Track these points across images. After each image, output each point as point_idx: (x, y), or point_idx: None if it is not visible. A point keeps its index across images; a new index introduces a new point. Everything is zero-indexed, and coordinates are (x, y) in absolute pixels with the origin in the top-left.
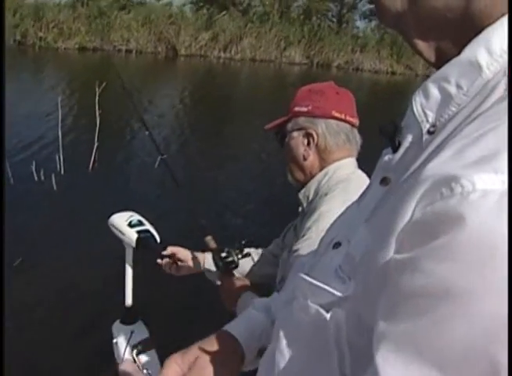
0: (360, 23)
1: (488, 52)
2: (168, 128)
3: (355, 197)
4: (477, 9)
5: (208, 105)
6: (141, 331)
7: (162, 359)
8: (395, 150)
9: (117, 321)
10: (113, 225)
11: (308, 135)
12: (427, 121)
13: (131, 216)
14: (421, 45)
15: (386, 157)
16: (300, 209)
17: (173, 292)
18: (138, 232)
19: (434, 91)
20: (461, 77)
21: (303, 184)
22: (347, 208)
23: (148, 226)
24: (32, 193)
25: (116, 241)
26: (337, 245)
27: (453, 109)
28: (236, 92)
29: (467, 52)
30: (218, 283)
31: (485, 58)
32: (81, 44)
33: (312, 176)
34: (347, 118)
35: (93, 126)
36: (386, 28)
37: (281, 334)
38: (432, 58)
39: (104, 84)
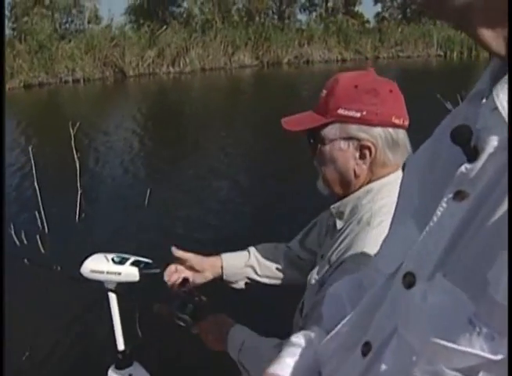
0: (301, 16)
1: None
2: (130, 155)
3: None
4: None
5: (164, 124)
6: (139, 373)
7: None
8: (473, 158)
9: (112, 367)
10: (94, 270)
11: (363, 148)
12: None
13: (106, 255)
14: (489, 35)
15: (463, 168)
16: (329, 222)
17: (164, 327)
18: (133, 264)
19: None
20: None
21: (339, 197)
22: (397, 230)
23: (135, 257)
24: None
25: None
26: (410, 277)
27: None
28: (191, 105)
29: None
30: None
31: None
32: (25, 81)
33: (353, 191)
34: (404, 123)
35: (73, 172)
36: (331, 19)
37: None
38: (502, 49)
39: (78, 124)
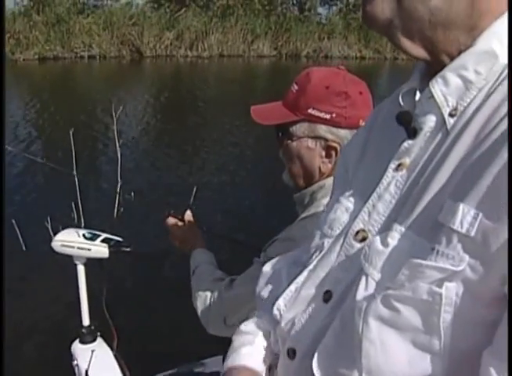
0: (321, 10)
1: (500, 43)
2: (143, 137)
3: None
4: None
5: (180, 108)
6: (102, 349)
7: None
8: (413, 136)
9: (76, 341)
10: (65, 244)
11: (329, 148)
12: (448, 105)
13: (77, 231)
14: (409, 45)
15: (405, 144)
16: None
17: (131, 304)
18: (104, 241)
19: (453, 78)
20: (478, 64)
21: (300, 188)
22: (339, 201)
23: (106, 234)
24: (49, 258)
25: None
26: (363, 233)
27: (474, 92)
28: (207, 92)
29: (482, 44)
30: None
31: (499, 48)
32: (40, 53)
33: (311, 185)
34: None
35: (112, 160)
36: (352, 14)
37: (371, 324)
38: (421, 54)
39: (121, 108)
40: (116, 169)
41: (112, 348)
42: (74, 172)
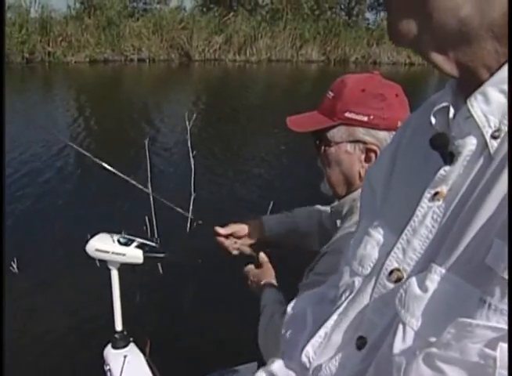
0: (369, 15)
1: None
2: (199, 144)
3: None
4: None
5: (233, 114)
6: (134, 355)
7: None
8: (449, 161)
9: (109, 346)
10: (99, 250)
11: (369, 151)
12: (489, 125)
13: (112, 236)
14: (441, 60)
15: (442, 170)
16: (332, 221)
17: (163, 310)
18: (138, 246)
19: (495, 94)
20: None
21: (339, 197)
22: (370, 234)
23: (141, 240)
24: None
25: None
26: (398, 273)
27: None
28: (258, 96)
29: None
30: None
31: None
32: (91, 56)
33: (351, 192)
34: None
35: (185, 171)
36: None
37: None
38: (454, 71)
39: (194, 115)
40: (187, 180)
41: (144, 354)
42: (149, 189)
